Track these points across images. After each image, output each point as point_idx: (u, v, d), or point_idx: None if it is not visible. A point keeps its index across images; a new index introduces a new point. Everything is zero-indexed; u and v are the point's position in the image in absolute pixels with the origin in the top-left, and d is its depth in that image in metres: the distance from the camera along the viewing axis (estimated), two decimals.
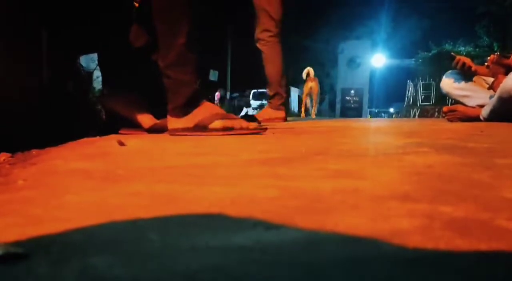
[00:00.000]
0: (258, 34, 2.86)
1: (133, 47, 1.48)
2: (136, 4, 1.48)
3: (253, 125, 1.34)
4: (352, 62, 20.65)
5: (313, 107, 5.75)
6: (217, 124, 1.27)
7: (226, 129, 1.27)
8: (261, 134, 1.35)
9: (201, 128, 1.28)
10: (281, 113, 2.77)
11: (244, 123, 1.31)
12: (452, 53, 2.48)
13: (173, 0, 1.28)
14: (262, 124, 1.66)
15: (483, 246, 0.29)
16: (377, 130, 1.83)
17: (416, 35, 21.72)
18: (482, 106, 2.24)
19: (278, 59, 2.86)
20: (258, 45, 2.87)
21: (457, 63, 2.38)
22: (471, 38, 16.06)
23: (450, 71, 2.56)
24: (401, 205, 0.40)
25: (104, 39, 1.49)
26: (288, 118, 2.99)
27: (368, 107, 21.21)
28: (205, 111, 1.30)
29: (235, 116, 1.35)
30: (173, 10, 1.28)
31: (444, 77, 2.59)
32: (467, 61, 2.39)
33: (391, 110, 19.17)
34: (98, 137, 1.22)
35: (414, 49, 17.99)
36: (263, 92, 19.20)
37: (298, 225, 0.34)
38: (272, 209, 0.39)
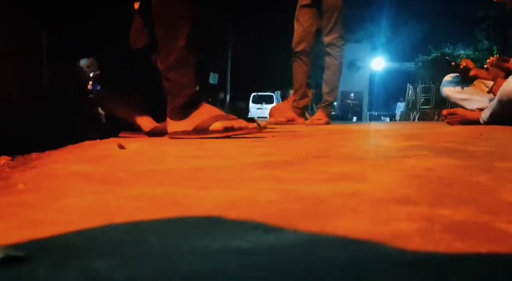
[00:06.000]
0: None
1: (133, 49, 1.48)
2: (136, 6, 1.48)
3: (252, 125, 1.34)
4: (352, 65, 20.67)
5: None
6: (217, 125, 1.27)
7: (226, 130, 1.27)
8: (261, 130, 1.35)
9: (201, 130, 1.27)
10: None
11: (244, 123, 1.31)
12: (453, 63, 2.48)
13: (173, 2, 1.28)
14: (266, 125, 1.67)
15: (483, 249, 0.29)
16: (377, 133, 1.83)
17: (416, 39, 21.78)
18: (481, 109, 2.24)
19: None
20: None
21: (458, 66, 2.39)
22: (471, 41, 16.11)
23: (450, 74, 2.56)
24: (401, 208, 0.40)
25: (104, 41, 1.49)
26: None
27: (368, 110, 21.23)
28: (204, 113, 1.30)
29: (234, 117, 1.35)
30: (173, 12, 1.28)
31: (444, 80, 2.59)
32: (470, 64, 2.39)
33: (397, 112, 19.09)
34: (98, 140, 1.22)
35: (413, 52, 18.05)
36: (263, 95, 19.25)
37: (298, 228, 0.34)
38: (272, 212, 0.40)
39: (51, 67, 1.43)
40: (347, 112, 18.86)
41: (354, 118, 17.78)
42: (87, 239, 0.33)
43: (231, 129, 1.28)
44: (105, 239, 0.33)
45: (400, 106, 19.14)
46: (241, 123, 1.30)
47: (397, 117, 17.52)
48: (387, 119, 18.64)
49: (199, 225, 0.36)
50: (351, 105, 19.31)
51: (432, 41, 17.00)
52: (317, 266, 0.26)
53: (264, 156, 0.83)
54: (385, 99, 23.05)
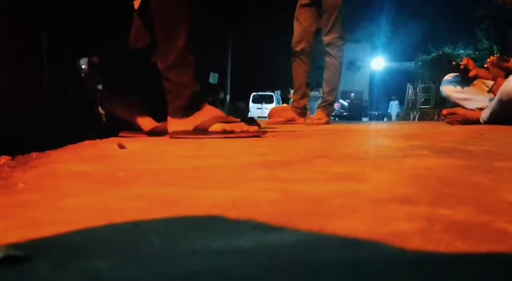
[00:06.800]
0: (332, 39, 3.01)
1: (133, 49, 1.48)
2: (136, 6, 1.48)
3: (253, 128, 1.34)
4: (352, 65, 20.65)
5: None
6: (217, 127, 1.27)
7: (226, 133, 1.27)
8: (261, 136, 1.35)
9: (201, 131, 1.27)
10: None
11: (245, 127, 1.31)
12: (454, 62, 2.48)
13: (172, 2, 1.28)
14: (263, 128, 1.67)
15: (483, 248, 0.29)
16: (377, 133, 1.83)
17: (416, 38, 21.78)
18: (482, 109, 2.24)
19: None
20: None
21: (458, 65, 2.39)
22: (471, 41, 16.13)
23: (450, 74, 2.56)
24: (401, 208, 0.40)
25: (104, 41, 1.49)
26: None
27: (368, 110, 21.23)
28: (205, 114, 1.30)
29: (235, 119, 1.35)
30: (172, 12, 1.28)
31: (444, 79, 2.59)
32: (470, 64, 2.39)
33: (390, 111, 18.88)
34: (98, 140, 1.22)
35: (413, 52, 18.05)
36: (263, 95, 19.27)
37: (298, 228, 0.34)
38: (272, 212, 0.40)
39: (51, 67, 1.43)
40: (355, 112, 18.83)
41: (366, 119, 17.73)
42: (87, 239, 0.33)
43: (231, 132, 1.28)
44: (105, 239, 0.33)
45: (393, 105, 18.95)
46: (242, 127, 1.30)
47: (393, 117, 17.36)
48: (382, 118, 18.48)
49: (199, 225, 0.36)
50: (354, 103, 19.24)
51: (432, 40, 17.01)
52: (317, 266, 0.26)
53: (264, 156, 0.83)
54: (385, 99, 23.05)
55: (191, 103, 1.30)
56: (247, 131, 1.30)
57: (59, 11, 1.39)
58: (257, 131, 1.34)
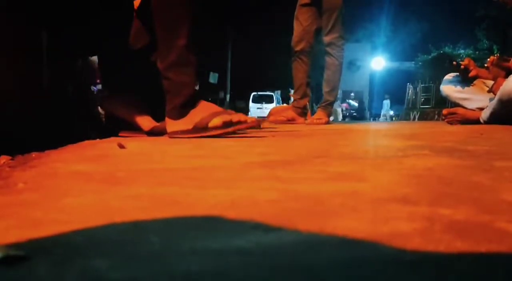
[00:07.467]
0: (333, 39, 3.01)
1: (133, 49, 1.48)
2: (136, 5, 1.48)
3: (252, 119, 1.35)
4: (352, 65, 20.67)
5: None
6: (216, 121, 1.27)
7: (226, 125, 1.27)
8: (260, 127, 1.35)
9: (200, 128, 1.27)
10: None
11: (243, 117, 1.31)
12: (454, 62, 2.48)
13: (173, 2, 1.28)
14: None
15: (483, 248, 0.29)
16: (377, 132, 1.83)
17: (416, 38, 21.79)
18: (482, 109, 2.24)
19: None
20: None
21: (458, 65, 2.39)
22: (471, 41, 16.14)
23: (450, 74, 2.56)
24: (401, 208, 0.40)
25: (104, 41, 1.49)
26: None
27: (368, 110, 21.25)
28: (202, 110, 1.30)
29: (233, 112, 1.35)
30: (173, 11, 1.28)
31: (444, 79, 2.59)
32: (471, 64, 2.39)
33: (382, 111, 18.76)
34: (98, 139, 1.22)
35: (413, 52, 18.06)
36: (263, 95, 19.28)
37: (298, 228, 0.34)
38: (272, 212, 0.40)
39: (51, 67, 1.43)
40: (363, 112, 18.79)
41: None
42: (87, 239, 0.33)
43: (230, 123, 1.27)
44: (105, 238, 0.33)
45: (385, 104, 18.81)
46: (240, 116, 1.30)
47: (381, 117, 17.20)
48: (378, 118, 18.27)
49: (199, 225, 0.36)
50: (362, 104, 19.19)
51: (432, 40, 17.02)
52: (317, 266, 0.26)
53: (264, 156, 0.83)
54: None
55: (188, 102, 1.30)
56: (245, 122, 1.29)
57: (59, 11, 1.39)
58: (255, 121, 1.34)
